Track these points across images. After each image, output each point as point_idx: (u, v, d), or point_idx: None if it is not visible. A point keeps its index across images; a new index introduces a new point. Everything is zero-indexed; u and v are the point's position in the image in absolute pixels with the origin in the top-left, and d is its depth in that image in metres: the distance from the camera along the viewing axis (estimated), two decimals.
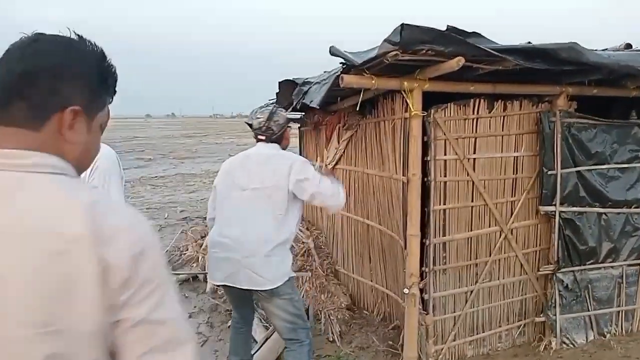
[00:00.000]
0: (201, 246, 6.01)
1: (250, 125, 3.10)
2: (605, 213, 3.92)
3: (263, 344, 3.82)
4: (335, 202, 3.03)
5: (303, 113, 6.03)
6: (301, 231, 5.60)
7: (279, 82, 4.20)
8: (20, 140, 0.92)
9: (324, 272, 4.89)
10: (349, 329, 4.26)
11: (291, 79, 4.23)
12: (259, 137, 3.10)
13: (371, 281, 4.42)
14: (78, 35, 1.00)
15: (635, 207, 4.00)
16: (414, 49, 2.90)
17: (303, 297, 4.61)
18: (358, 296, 4.71)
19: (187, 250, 6.27)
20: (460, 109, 3.55)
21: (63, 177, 0.94)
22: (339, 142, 4.84)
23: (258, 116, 3.08)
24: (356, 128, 4.45)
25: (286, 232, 2.95)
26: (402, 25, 2.79)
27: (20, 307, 0.84)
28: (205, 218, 7.85)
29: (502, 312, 3.93)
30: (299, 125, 6.50)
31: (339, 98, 4.31)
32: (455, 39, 2.91)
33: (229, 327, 4.45)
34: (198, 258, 5.84)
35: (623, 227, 3.98)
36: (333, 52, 3.24)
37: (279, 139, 3.12)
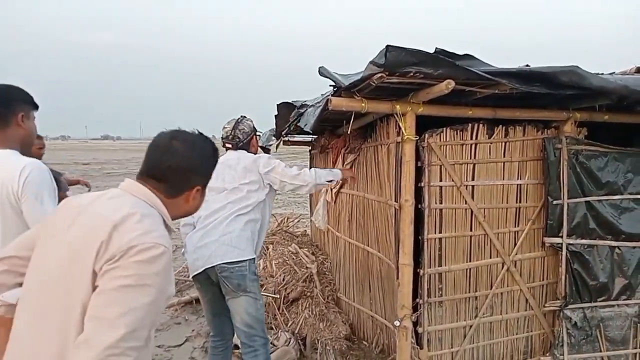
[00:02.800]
0: None
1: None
2: (618, 247, 3.65)
3: None
4: (300, 181, 3.28)
5: (315, 136, 5.98)
6: (306, 256, 5.49)
7: (278, 105, 4.15)
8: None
9: (324, 299, 4.75)
10: (345, 359, 4.09)
11: (290, 101, 4.17)
12: (226, 145, 3.34)
13: (371, 310, 4.25)
14: (200, 133, 1.67)
15: None
16: (401, 72, 2.80)
17: (301, 324, 4.48)
18: (358, 326, 4.54)
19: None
20: (457, 133, 3.40)
21: (153, 211, 1.51)
22: (343, 166, 4.74)
23: (225, 126, 3.35)
24: (358, 152, 4.34)
25: (256, 220, 3.20)
26: (387, 47, 2.70)
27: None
28: None
29: (506, 349, 3.69)
30: (309, 148, 6.44)
31: (344, 121, 4.22)
32: (445, 62, 2.79)
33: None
34: None
35: (638, 262, 3.70)
36: (322, 72, 3.17)
37: (246, 146, 3.37)
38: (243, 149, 3.34)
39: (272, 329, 4.49)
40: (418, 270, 3.39)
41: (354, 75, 3.15)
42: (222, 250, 3.00)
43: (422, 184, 3.35)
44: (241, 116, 3.41)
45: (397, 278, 3.34)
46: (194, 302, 5.45)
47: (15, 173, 2.07)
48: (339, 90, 3.17)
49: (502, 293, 3.61)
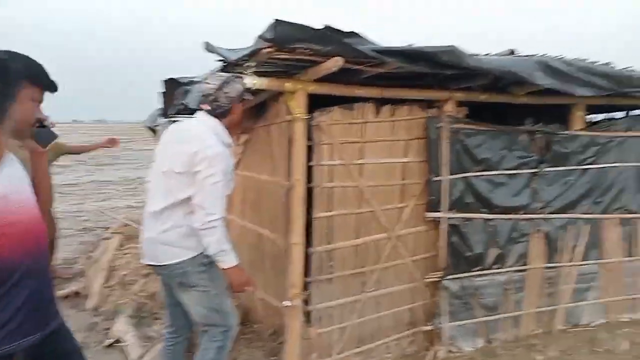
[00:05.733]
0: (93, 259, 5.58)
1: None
2: (492, 219, 3.93)
3: None
4: (200, 215, 2.54)
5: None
6: None
7: (164, 81, 3.90)
8: None
9: None
10: (236, 345, 4.00)
11: (176, 77, 3.94)
12: (202, 104, 2.74)
13: (264, 293, 4.20)
14: None
15: (522, 213, 4.04)
16: (290, 47, 2.74)
17: None
18: (251, 309, 4.47)
19: (76, 263, 5.83)
20: (346, 113, 3.42)
21: None
22: (236, 147, 4.60)
23: (208, 81, 2.73)
24: (251, 132, 4.23)
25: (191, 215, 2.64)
26: (276, 21, 2.62)
27: None
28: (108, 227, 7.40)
29: (392, 321, 3.83)
30: None
31: None
32: (333, 39, 2.78)
33: (106, 347, 4.10)
34: (84, 273, 5.40)
35: (510, 233, 4.01)
36: (208, 48, 3.02)
37: (224, 114, 2.72)
38: (219, 118, 2.70)
39: (159, 318, 4.30)
40: (309, 250, 3.39)
41: (242, 50, 3.03)
42: (160, 250, 2.65)
43: (312, 163, 3.33)
44: (233, 75, 2.81)
45: (287, 257, 3.32)
46: (73, 295, 5.06)
47: None
48: (228, 65, 3.04)
49: (388, 267, 3.73)
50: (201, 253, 2.65)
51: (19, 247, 1.63)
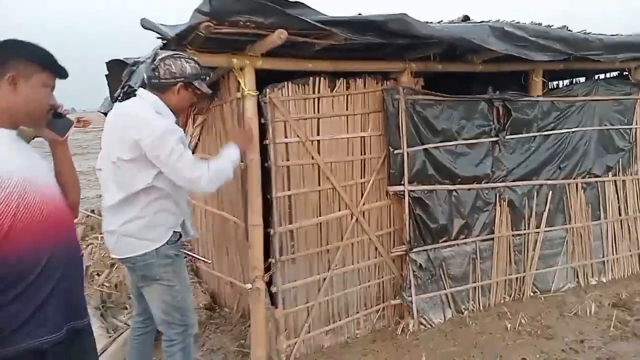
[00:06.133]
0: None
1: None
2: (455, 190, 3.90)
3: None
4: (191, 186, 2.55)
5: None
6: None
7: (107, 63, 3.75)
8: None
9: None
10: (204, 330, 3.95)
11: (121, 58, 3.80)
12: (144, 81, 2.60)
13: (230, 276, 4.14)
14: None
15: (485, 182, 4.02)
16: (231, 21, 2.63)
17: None
18: (219, 293, 4.42)
19: None
20: (299, 88, 3.34)
21: None
22: (193, 129, 4.49)
23: (156, 52, 2.58)
24: (207, 112, 4.13)
25: (162, 192, 2.51)
26: None
27: None
28: None
29: (359, 297, 3.80)
30: None
31: None
32: (275, 10, 2.68)
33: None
34: None
35: (474, 202, 4.00)
36: (145, 25, 2.86)
37: (163, 88, 2.52)
38: (157, 91, 2.52)
39: (126, 308, 4.22)
40: (268, 230, 3.32)
41: (181, 25, 2.91)
42: (123, 243, 2.50)
43: (267, 142, 3.25)
44: (187, 55, 2.64)
45: (247, 239, 3.25)
46: None
47: None
48: (168, 43, 2.92)
49: (352, 244, 3.69)
50: (165, 244, 2.52)
51: (44, 238, 1.58)
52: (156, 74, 2.52)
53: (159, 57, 2.56)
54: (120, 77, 3.71)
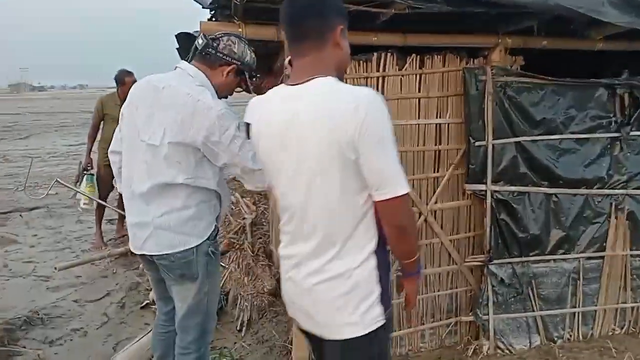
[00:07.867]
0: None
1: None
2: (555, 194, 3.20)
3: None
4: (250, 180, 2.24)
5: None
6: (247, 206, 5.14)
7: (176, 36, 3.66)
8: None
9: (253, 252, 4.42)
10: (262, 316, 3.79)
11: (190, 32, 3.68)
12: (194, 57, 2.30)
13: None
14: None
15: (597, 188, 3.26)
16: None
17: (226, 278, 4.18)
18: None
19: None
20: (360, 65, 2.92)
21: None
22: None
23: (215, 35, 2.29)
24: (261, 91, 3.87)
25: (200, 195, 2.23)
26: None
27: None
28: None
29: (426, 307, 3.33)
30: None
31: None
32: None
33: (141, 307, 4.12)
34: None
35: (580, 211, 3.26)
36: None
37: (214, 63, 2.26)
38: (207, 65, 2.27)
39: None
40: None
41: None
42: (159, 238, 2.20)
43: None
44: (245, 38, 2.41)
45: None
46: (129, 254, 5.18)
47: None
48: (215, 12, 2.72)
49: (420, 246, 3.21)
50: (207, 239, 2.26)
51: None
52: (215, 44, 2.24)
53: (209, 38, 2.27)
54: (188, 49, 3.61)
